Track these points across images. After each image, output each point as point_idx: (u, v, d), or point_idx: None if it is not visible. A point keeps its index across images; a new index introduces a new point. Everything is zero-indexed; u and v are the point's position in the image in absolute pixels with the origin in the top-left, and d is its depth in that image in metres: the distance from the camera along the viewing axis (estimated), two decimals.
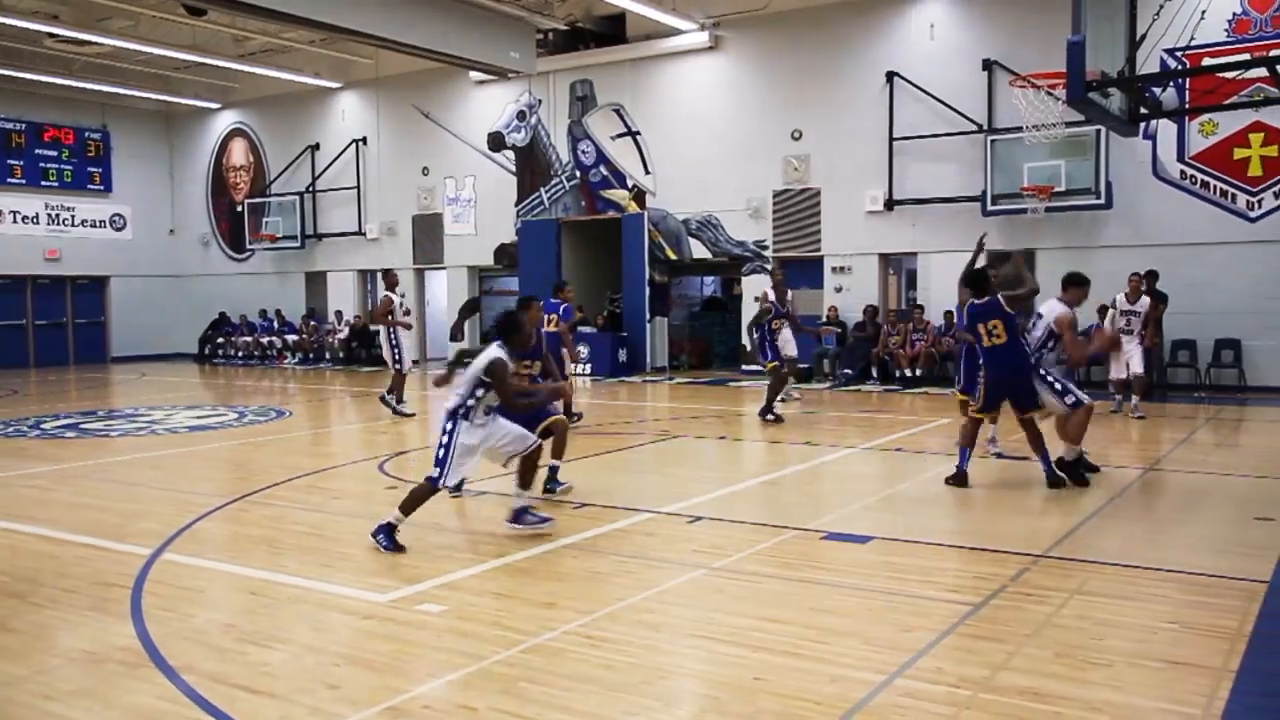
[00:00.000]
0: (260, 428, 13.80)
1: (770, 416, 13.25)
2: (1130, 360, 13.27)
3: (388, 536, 6.93)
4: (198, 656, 4.93)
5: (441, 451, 6.94)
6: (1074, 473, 8.59)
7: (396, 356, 14.43)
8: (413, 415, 14.46)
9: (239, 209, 28.30)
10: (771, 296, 13.87)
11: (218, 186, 29.22)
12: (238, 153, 28.76)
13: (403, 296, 15.23)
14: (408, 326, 15.00)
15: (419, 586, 6.00)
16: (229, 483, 9.87)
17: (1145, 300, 13.51)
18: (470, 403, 7.03)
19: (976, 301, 8.67)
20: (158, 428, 13.93)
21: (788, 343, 14.06)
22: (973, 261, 9.81)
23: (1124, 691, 4.37)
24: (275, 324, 27.38)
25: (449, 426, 7.00)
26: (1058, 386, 8.56)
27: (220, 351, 28.00)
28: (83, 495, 9.19)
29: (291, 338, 26.84)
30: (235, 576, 6.43)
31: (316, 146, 26.82)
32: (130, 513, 8.34)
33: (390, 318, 14.40)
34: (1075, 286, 8.88)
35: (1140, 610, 5.40)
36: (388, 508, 8.01)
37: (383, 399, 14.51)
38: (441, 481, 6.96)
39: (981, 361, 8.75)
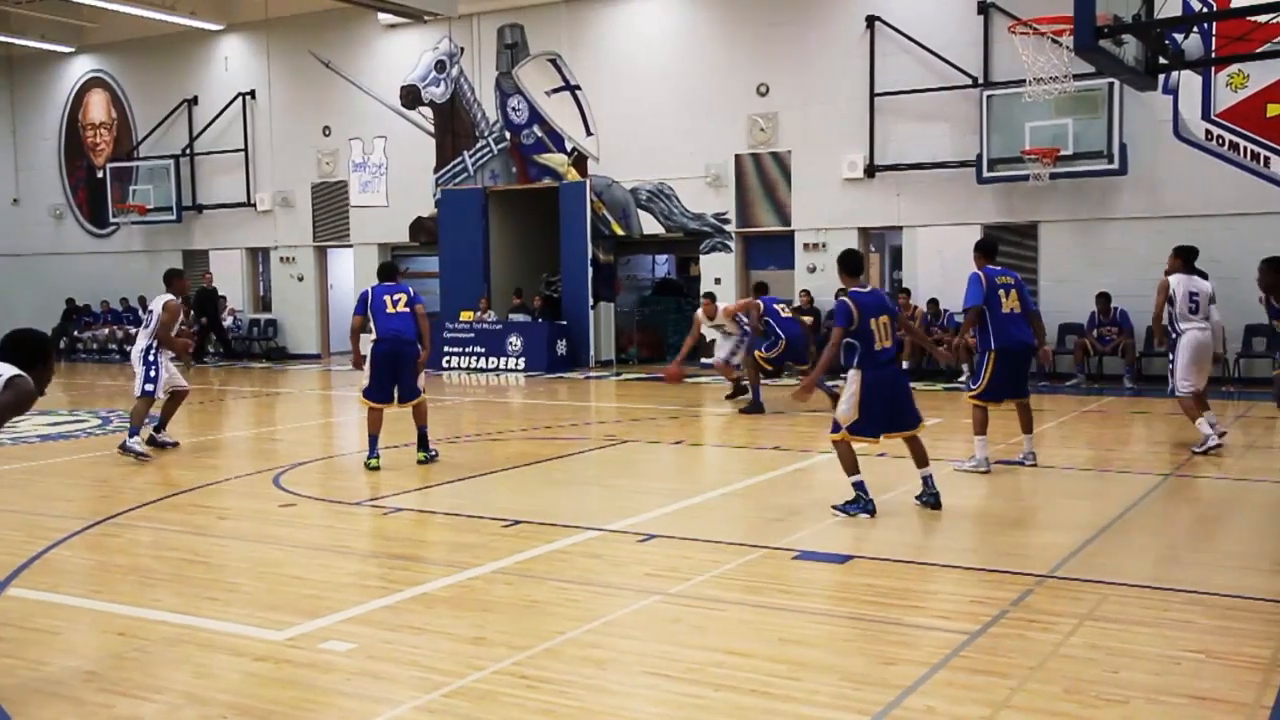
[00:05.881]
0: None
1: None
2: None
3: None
4: (52, 712, 4.83)
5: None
6: None
7: (150, 376, 12.42)
8: (176, 445, 12.53)
9: (99, 174, 27.88)
10: None
11: (73, 147, 28.74)
12: (97, 107, 28.29)
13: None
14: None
15: (322, 621, 5.95)
16: (91, 502, 9.70)
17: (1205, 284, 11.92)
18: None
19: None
20: (0, 438, 13.67)
21: None
22: None
23: None
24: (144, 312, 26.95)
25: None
26: None
27: (79, 346, 27.55)
28: None
29: None
30: (98, 614, 6.33)
31: (194, 101, 26.47)
32: None
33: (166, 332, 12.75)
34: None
35: (1160, 638, 5.50)
36: (281, 529, 7.93)
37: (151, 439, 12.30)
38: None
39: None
